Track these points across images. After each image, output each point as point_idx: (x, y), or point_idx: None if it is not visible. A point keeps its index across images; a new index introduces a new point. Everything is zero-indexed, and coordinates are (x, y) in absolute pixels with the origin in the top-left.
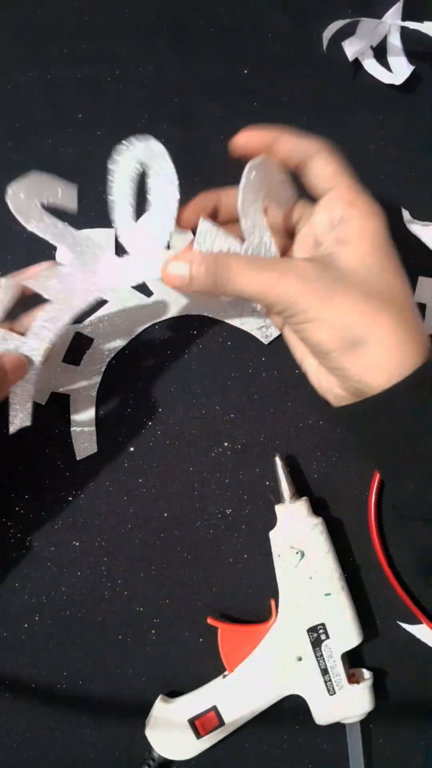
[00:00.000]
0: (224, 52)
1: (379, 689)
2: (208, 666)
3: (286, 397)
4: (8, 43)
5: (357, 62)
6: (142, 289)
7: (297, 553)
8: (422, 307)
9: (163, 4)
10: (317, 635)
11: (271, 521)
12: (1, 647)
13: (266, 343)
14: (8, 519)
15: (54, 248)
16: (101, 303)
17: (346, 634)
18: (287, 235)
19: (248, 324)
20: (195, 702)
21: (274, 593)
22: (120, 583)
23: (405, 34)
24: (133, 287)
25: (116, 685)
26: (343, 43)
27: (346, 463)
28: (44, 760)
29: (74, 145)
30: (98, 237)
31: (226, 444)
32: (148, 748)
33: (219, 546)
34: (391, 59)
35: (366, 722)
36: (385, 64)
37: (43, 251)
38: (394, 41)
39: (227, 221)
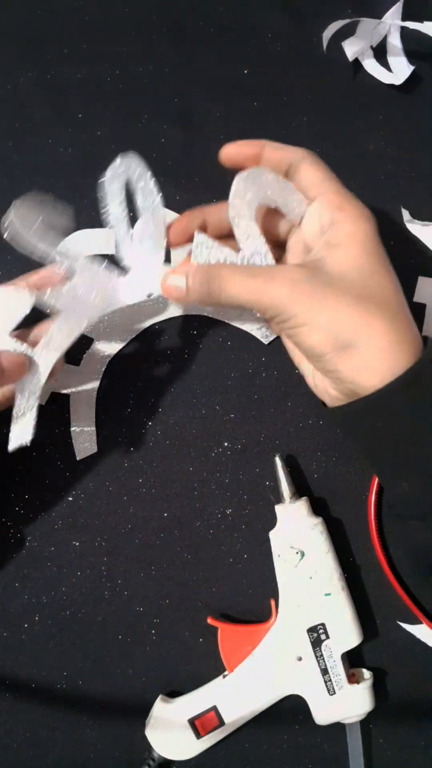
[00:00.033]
0: (224, 52)
1: (379, 689)
2: (208, 666)
3: (286, 397)
4: (8, 43)
5: (357, 62)
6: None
7: (297, 553)
8: (422, 307)
9: (163, 4)
10: (317, 635)
11: (271, 521)
12: (1, 647)
13: (266, 343)
14: (8, 519)
15: None
16: (73, 285)
17: (346, 634)
18: (280, 244)
19: (248, 324)
20: (195, 702)
21: (274, 593)
22: (120, 583)
23: (405, 34)
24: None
25: (116, 685)
26: (343, 43)
27: (346, 463)
28: (44, 760)
29: (74, 145)
30: (98, 237)
31: (226, 444)
32: (148, 748)
33: (219, 546)
34: (391, 59)
35: (366, 722)
36: (385, 64)
37: None
38: (394, 41)
39: (217, 237)
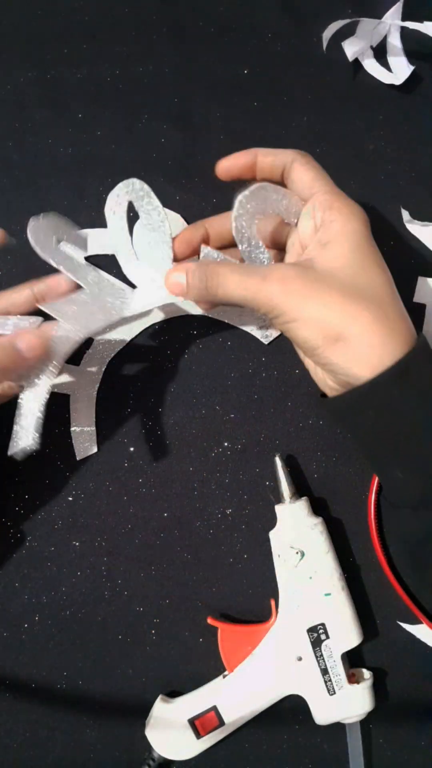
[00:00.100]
0: (224, 52)
1: (379, 689)
2: (208, 666)
3: (286, 397)
4: (8, 43)
5: (357, 62)
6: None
7: (297, 553)
8: (422, 307)
9: (163, 4)
10: (317, 635)
11: (271, 521)
12: (1, 647)
13: (266, 343)
14: (8, 519)
15: None
16: (80, 297)
17: (346, 634)
18: (282, 247)
19: (248, 324)
20: (195, 702)
21: (274, 593)
22: (120, 583)
23: (405, 34)
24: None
25: (116, 685)
26: (343, 43)
27: (346, 463)
28: (44, 760)
29: (74, 145)
30: (98, 237)
31: (226, 444)
32: (148, 748)
33: (219, 546)
34: (391, 59)
35: (366, 722)
36: (385, 64)
37: None
38: (394, 41)
39: (219, 246)
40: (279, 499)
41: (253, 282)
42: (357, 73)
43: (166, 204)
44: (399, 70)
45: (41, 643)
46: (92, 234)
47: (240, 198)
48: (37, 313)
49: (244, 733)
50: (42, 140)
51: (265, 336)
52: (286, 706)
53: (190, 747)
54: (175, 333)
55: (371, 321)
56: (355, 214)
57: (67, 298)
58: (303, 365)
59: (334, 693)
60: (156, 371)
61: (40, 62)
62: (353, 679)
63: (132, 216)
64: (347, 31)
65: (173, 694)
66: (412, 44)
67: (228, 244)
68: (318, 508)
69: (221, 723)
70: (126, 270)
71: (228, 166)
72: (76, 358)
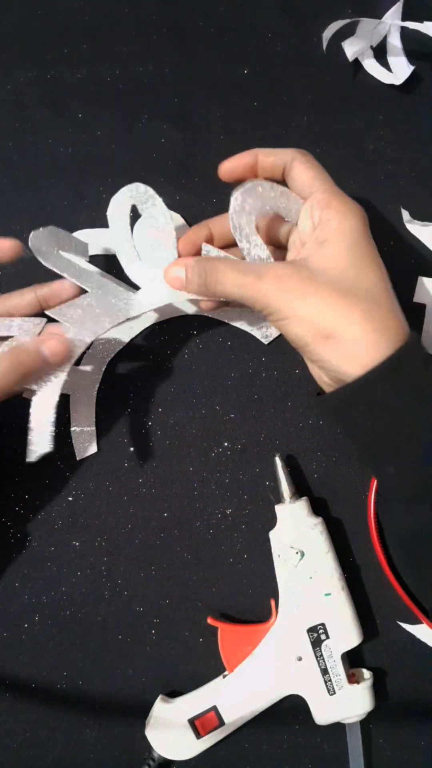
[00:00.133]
0: (224, 52)
1: (379, 689)
2: (208, 666)
3: (286, 397)
4: (8, 43)
5: (357, 62)
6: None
7: (297, 553)
8: (422, 307)
9: (163, 4)
10: (317, 635)
11: (271, 521)
12: (1, 647)
13: (266, 343)
14: (8, 519)
15: None
16: (85, 300)
17: (346, 634)
18: (284, 245)
19: (248, 324)
20: (195, 702)
21: (274, 593)
22: (120, 583)
23: (405, 34)
24: (130, 286)
25: (116, 685)
26: (343, 43)
27: (346, 463)
28: (44, 760)
29: (74, 145)
30: (98, 237)
31: (226, 444)
32: (148, 748)
33: (219, 546)
34: (391, 59)
35: (366, 722)
36: (385, 64)
37: None
38: (394, 41)
39: (223, 246)
40: (279, 499)
41: (249, 280)
42: (357, 73)
43: (166, 204)
44: (399, 70)
45: (41, 643)
46: (92, 234)
47: (235, 195)
48: (39, 315)
49: (244, 733)
50: (42, 140)
51: (265, 336)
52: (286, 706)
53: (190, 747)
54: (175, 333)
55: (361, 319)
56: (352, 212)
57: (72, 302)
58: (303, 364)
59: (334, 693)
60: (156, 371)
61: (40, 62)
62: (353, 679)
63: (133, 216)
64: (347, 31)
65: (173, 694)
66: (412, 44)
67: (231, 244)
68: (318, 508)
69: (221, 723)
70: (129, 271)
71: (230, 167)
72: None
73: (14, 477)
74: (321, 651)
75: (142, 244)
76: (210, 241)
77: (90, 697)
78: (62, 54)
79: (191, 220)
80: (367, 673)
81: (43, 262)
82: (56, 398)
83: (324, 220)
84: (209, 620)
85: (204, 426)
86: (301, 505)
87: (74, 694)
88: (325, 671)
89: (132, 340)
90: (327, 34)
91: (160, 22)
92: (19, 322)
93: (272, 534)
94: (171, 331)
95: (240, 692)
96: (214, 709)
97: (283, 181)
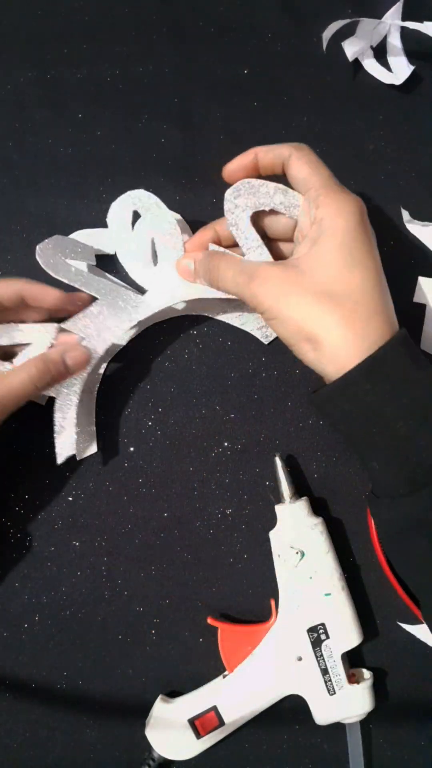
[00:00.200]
0: (224, 52)
1: (379, 689)
2: (208, 666)
3: (286, 397)
4: (8, 43)
5: (357, 62)
6: (143, 290)
7: (297, 553)
8: (422, 307)
9: (163, 4)
10: (317, 635)
11: (271, 521)
12: (1, 647)
13: (266, 343)
14: (8, 519)
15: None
16: (95, 309)
17: (346, 634)
18: (289, 239)
19: (248, 324)
20: (195, 702)
21: (274, 593)
22: (120, 583)
23: (405, 34)
24: (134, 288)
25: (116, 685)
26: (343, 43)
27: (346, 463)
28: (44, 760)
29: (74, 145)
30: (98, 237)
31: (226, 444)
32: (148, 748)
33: (219, 546)
34: (391, 59)
35: (366, 722)
36: (385, 64)
37: None
38: (394, 41)
39: (229, 246)
40: (279, 499)
41: (242, 280)
42: (357, 73)
43: (166, 204)
44: (399, 70)
45: (41, 643)
46: (92, 234)
47: (226, 195)
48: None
49: (244, 733)
50: (42, 140)
51: (265, 336)
52: (286, 706)
53: (190, 747)
54: (175, 333)
55: (342, 324)
56: (345, 209)
57: (84, 313)
58: (303, 363)
59: (334, 693)
60: (156, 371)
61: (40, 62)
62: (353, 679)
63: (132, 216)
64: (347, 31)
65: (173, 694)
66: (412, 44)
67: (237, 244)
68: (318, 508)
69: (221, 723)
70: (134, 274)
71: (233, 169)
72: None
73: (14, 477)
74: (321, 651)
75: (144, 245)
76: (217, 242)
77: (90, 697)
78: (62, 54)
79: (191, 220)
80: (367, 673)
81: (53, 275)
82: (76, 402)
83: (318, 218)
84: (209, 620)
85: (204, 426)
86: (301, 505)
87: (74, 694)
88: (325, 671)
89: (132, 340)
90: (327, 34)
91: (160, 22)
92: (33, 328)
93: (272, 534)
94: (171, 331)
95: (240, 692)
96: (214, 709)
97: (285, 177)
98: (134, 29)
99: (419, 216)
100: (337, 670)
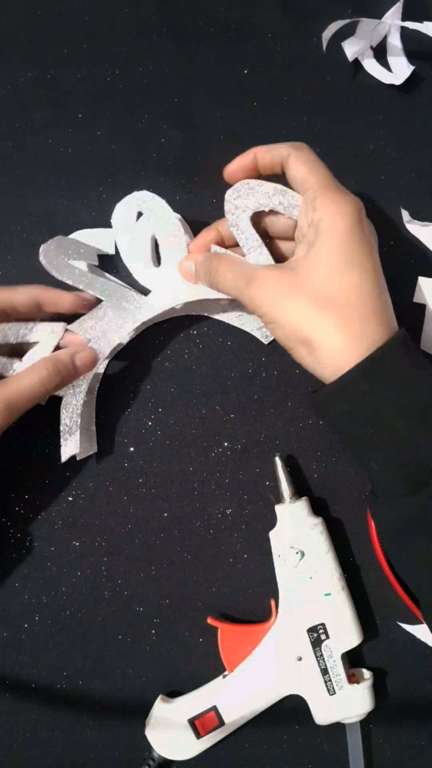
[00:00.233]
0: (224, 52)
1: (379, 689)
2: (208, 666)
3: (286, 397)
4: (8, 43)
5: (357, 62)
6: (144, 290)
7: (297, 553)
8: (422, 307)
9: (163, 4)
10: (317, 635)
11: (271, 521)
12: (1, 647)
13: (266, 343)
14: (8, 519)
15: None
16: (99, 311)
17: (346, 634)
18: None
19: (248, 324)
20: (195, 702)
21: (274, 593)
22: (120, 583)
23: (405, 34)
24: (134, 288)
25: (116, 685)
26: (343, 43)
27: (346, 463)
28: (44, 760)
29: (74, 145)
30: (98, 237)
31: (226, 444)
32: (148, 748)
33: (219, 546)
34: (391, 59)
35: (366, 722)
36: (385, 64)
37: None
38: (394, 41)
39: (232, 245)
40: (279, 499)
41: (240, 283)
42: (357, 73)
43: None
44: (399, 70)
45: (41, 643)
46: (92, 234)
47: (226, 196)
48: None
49: (244, 733)
50: (42, 140)
51: (265, 336)
52: (286, 706)
53: (190, 747)
54: (175, 333)
55: (338, 327)
56: (342, 211)
57: (89, 315)
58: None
59: (334, 693)
60: (156, 371)
61: (40, 62)
62: (353, 679)
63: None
64: (347, 31)
65: (173, 694)
66: (412, 44)
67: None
68: (318, 508)
69: (221, 723)
70: (138, 275)
71: (233, 170)
72: None
73: (14, 477)
74: (321, 651)
75: (145, 245)
76: (220, 241)
77: (90, 697)
78: (62, 54)
79: (191, 220)
80: (367, 673)
81: (57, 276)
82: (82, 401)
83: (315, 220)
84: (209, 620)
85: (204, 426)
86: (301, 505)
87: (74, 694)
88: (325, 671)
89: (132, 340)
90: (327, 34)
91: (160, 22)
92: (41, 327)
93: (272, 534)
94: (171, 331)
95: (240, 692)
96: (214, 709)
97: (284, 177)
98: (134, 29)
99: (419, 216)
100: (337, 670)
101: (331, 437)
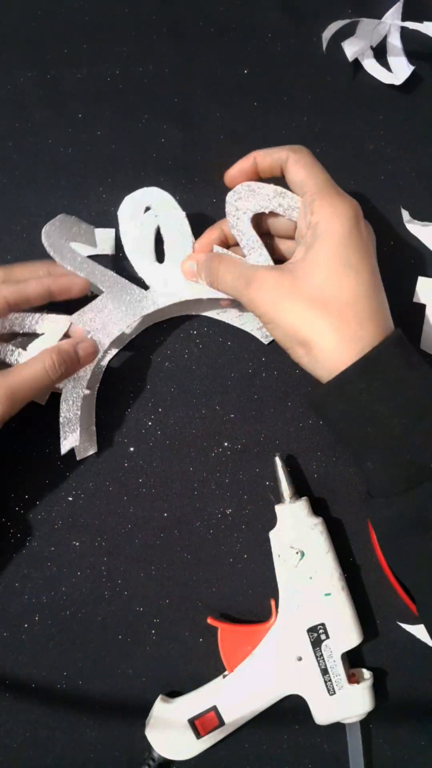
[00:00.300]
0: (224, 52)
1: (379, 689)
2: (208, 666)
3: (286, 397)
4: (8, 43)
5: (357, 62)
6: (146, 286)
7: (297, 553)
8: (422, 308)
9: (163, 4)
10: (317, 635)
11: (271, 521)
12: (1, 647)
13: (266, 343)
14: (8, 519)
15: None
16: (100, 303)
17: (346, 634)
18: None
19: (248, 324)
20: (195, 702)
21: (274, 593)
22: (120, 583)
23: (405, 34)
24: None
25: (116, 685)
26: (343, 43)
27: (346, 463)
28: (44, 760)
29: (74, 145)
30: (98, 237)
31: (226, 444)
32: (148, 748)
33: (219, 546)
34: (391, 59)
35: (366, 722)
36: (385, 64)
37: (43, 251)
38: (394, 41)
39: (235, 244)
40: (279, 499)
41: (240, 284)
42: (357, 73)
43: None
44: (399, 70)
45: (41, 643)
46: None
47: (227, 198)
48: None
49: (244, 733)
50: (42, 140)
51: (265, 336)
52: (286, 706)
53: (190, 747)
54: (175, 333)
55: (332, 328)
56: (339, 213)
57: (89, 307)
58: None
59: (334, 693)
60: (156, 371)
61: (40, 62)
62: (353, 679)
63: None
64: (347, 31)
65: (173, 694)
66: (412, 44)
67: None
68: (318, 508)
69: (221, 723)
70: (140, 270)
71: (233, 174)
72: None
73: (14, 477)
74: (321, 651)
75: (148, 240)
76: (224, 240)
77: (90, 697)
78: (62, 54)
79: (191, 220)
80: (367, 673)
81: (58, 260)
82: (82, 394)
83: (313, 223)
84: (209, 620)
85: (204, 426)
86: (301, 505)
87: (74, 694)
88: (325, 671)
89: (132, 340)
90: (327, 34)
91: (160, 22)
92: (47, 319)
93: (272, 534)
94: (171, 331)
95: (240, 692)
96: (214, 709)
97: (284, 180)
98: (134, 29)
99: (419, 216)
100: (337, 670)
101: (331, 437)
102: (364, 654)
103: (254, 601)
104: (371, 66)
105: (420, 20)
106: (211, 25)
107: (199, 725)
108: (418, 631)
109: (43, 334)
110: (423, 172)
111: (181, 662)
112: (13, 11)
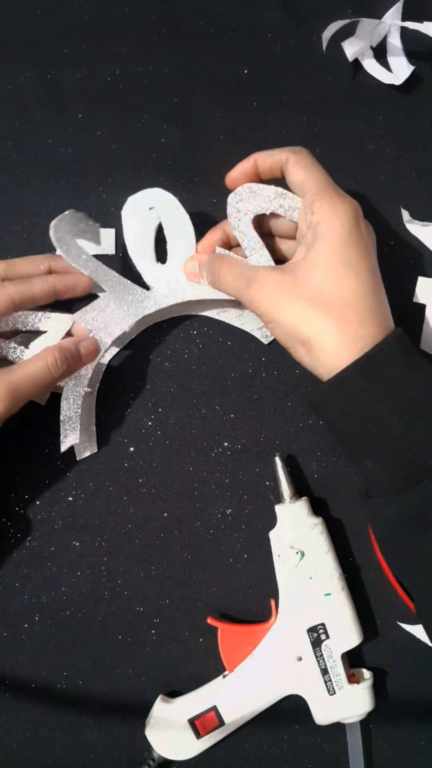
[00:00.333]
0: (224, 52)
1: (379, 689)
2: (208, 666)
3: (286, 397)
4: (8, 43)
5: (357, 62)
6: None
7: (297, 553)
8: (422, 308)
9: (163, 4)
10: (317, 635)
11: (271, 521)
12: (1, 647)
13: (266, 343)
14: (8, 519)
15: (52, 248)
16: (101, 303)
17: (346, 634)
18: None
19: (248, 324)
20: (195, 702)
21: (274, 593)
22: (120, 583)
23: (405, 34)
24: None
25: (116, 685)
26: (343, 43)
27: (346, 463)
28: (44, 760)
29: (74, 145)
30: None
31: (226, 444)
32: (148, 748)
33: (219, 546)
34: (391, 59)
35: (366, 722)
36: (385, 64)
37: (43, 251)
38: (394, 41)
39: (237, 245)
40: (279, 499)
41: (241, 284)
42: (357, 73)
43: None
44: (399, 70)
45: (41, 643)
46: None
47: (228, 199)
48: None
49: (244, 733)
50: (42, 140)
51: (265, 336)
52: (286, 706)
53: (190, 747)
54: (175, 333)
55: (332, 327)
56: (339, 214)
57: (91, 306)
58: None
59: (334, 693)
60: (156, 371)
61: (40, 62)
62: (353, 679)
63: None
64: (347, 31)
65: (173, 694)
66: (412, 44)
67: None
68: (318, 508)
69: (221, 723)
70: (143, 270)
71: (234, 176)
72: None
73: (14, 477)
74: (321, 651)
75: (149, 240)
76: (226, 241)
77: (90, 697)
78: (62, 54)
79: (191, 220)
80: (367, 673)
81: (64, 256)
82: (83, 392)
83: (313, 223)
84: (209, 620)
85: (204, 426)
86: (301, 505)
87: (74, 694)
88: (325, 671)
89: (132, 339)
90: (327, 34)
91: (160, 22)
92: (50, 317)
93: (272, 534)
94: (171, 331)
95: (240, 692)
96: (214, 709)
97: (285, 181)
98: (134, 29)
99: (419, 216)
100: (337, 670)
101: (331, 437)
102: (364, 654)
103: (254, 601)
104: (371, 66)
105: (420, 20)
106: (211, 25)
107: (199, 725)
108: (418, 631)
109: (45, 332)
110: (423, 172)
111: (181, 662)
112: (13, 11)
